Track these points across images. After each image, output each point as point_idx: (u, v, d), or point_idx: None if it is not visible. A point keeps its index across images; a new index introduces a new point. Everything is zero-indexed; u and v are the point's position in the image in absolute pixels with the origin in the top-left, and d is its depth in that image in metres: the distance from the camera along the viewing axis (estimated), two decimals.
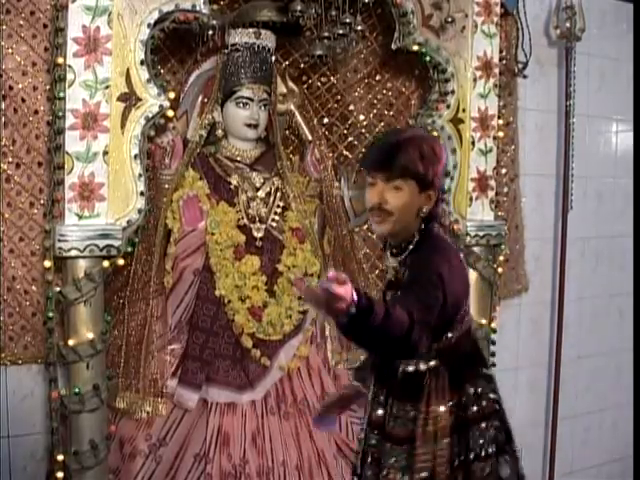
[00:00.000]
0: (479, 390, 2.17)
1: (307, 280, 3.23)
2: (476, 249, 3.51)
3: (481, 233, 3.49)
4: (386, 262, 2.26)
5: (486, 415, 2.16)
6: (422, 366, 2.14)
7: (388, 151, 2.13)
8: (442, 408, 2.10)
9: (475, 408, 2.14)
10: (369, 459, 2.18)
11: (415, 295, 1.96)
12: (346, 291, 1.77)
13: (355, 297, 1.80)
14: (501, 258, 3.63)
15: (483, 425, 2.14)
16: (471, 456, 2.11)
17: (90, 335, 2.81)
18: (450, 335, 2.13)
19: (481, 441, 2.13)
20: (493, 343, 3.57)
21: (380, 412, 2.17)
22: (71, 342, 2.80)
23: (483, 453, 2.12)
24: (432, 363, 2.13)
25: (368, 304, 1.83)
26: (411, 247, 2.15)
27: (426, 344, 1.96)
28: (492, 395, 2.20)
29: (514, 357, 4.02)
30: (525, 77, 3.77)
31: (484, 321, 3.52)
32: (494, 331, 3.58)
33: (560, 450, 4.03)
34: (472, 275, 3.46)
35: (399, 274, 2.16)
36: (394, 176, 2.09)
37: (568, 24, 3.83)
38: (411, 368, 2.15)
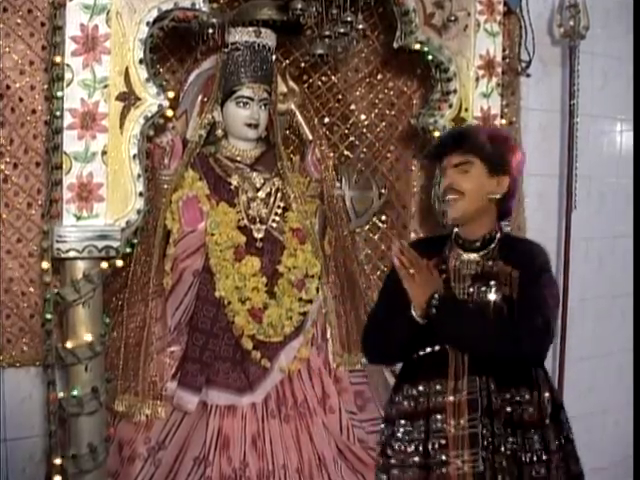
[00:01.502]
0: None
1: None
2: None
3: None
4: (458, 258, 2.26)
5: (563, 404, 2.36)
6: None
7: (457, 132, 2.25)
8: (546, 395, 2.22)
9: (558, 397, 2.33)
10: (502, 449, 2.14)
11: (547, 299, 2.11)
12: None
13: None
14: None
15: (564, 412, 2.33)
16: (563, 439, 2.26)
17: (89, 337, 2.80)
18: None
19: (567, 424, 2.31)
20: None
21: (493, 398, 2.17)
22: (69, 344, 2.80)
23: (570, 436, 2.29)
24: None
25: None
26: (494, 242, 2.20)
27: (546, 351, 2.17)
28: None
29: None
30: (528, 76, 3.77)
31: None
32: None
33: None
34: None
35: (485, 267, 2.19)
36: (461, 157, 2.14)
37: (572, 22, 3.82)
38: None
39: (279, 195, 3.40)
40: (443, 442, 2.17)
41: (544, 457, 2.18)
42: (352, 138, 3.77)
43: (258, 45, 3.30)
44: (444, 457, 2.17)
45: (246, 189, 3.35)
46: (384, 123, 3.78)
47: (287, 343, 3.31)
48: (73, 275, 2.80)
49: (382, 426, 2.42)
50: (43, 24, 2.81)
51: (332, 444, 3.31)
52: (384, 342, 2.35)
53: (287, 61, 3.63)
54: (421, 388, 2.27)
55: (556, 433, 2.22)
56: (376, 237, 3.84)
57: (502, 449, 2.14)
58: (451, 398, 2.18)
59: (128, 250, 2.94)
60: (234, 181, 3.35)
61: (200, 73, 3.36)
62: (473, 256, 2.25)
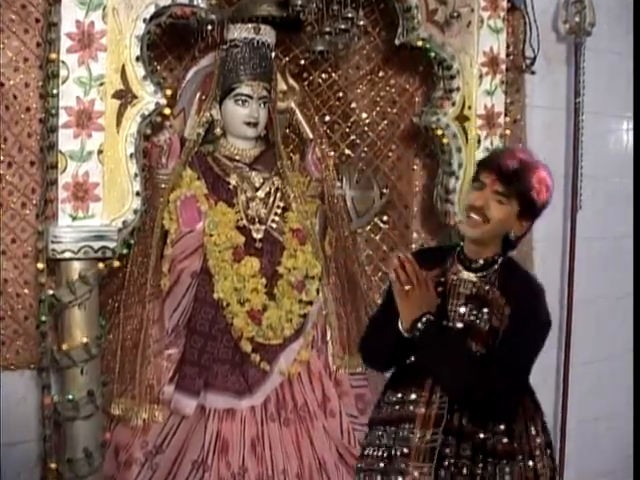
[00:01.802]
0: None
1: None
2: None
3: None
4: (457, 274, 2.32)
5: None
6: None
7: (511, 164, 2.23)
8: (533, 429, 2.29)
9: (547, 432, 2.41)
10: (464, 472, 2.19)
11: (520, 352, 2.18)
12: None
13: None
14: None
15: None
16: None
17: (84, 339, 2.80)
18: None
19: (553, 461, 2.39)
20: None
21: (464, 422, 2.22)
22: (65, 347, 2.79)
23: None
24: None
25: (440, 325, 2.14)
26: (494, 268, 2.27)
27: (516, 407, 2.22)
28: None
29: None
30: (533, 73, 3.76)
31: None
32: None
33: (568, 458, 4.01)
34: None
35: (481, 290, 2.25)
36: (504, 188, 2.20)
37: (577, 18, 3.81)
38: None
39: (279, 195, 3.40)
40: (406, 451, 2.23)
41: None
42: (353, 137, 3.76)
43: (257, 42, 3.30)
44: (403, 465, 2.23)
45: (245, 189, 3.34)
46: (386, 121, 3.78)
47: (287, 345, 3.31)
48: (69, 276, 2.80)
49: (366, 430, 2.49)
50: (38, 20, 2.81)
51: (333, 448, 3.31)
52: (374, 348, 2.44)
53: (287, 58, 3.63)
54: (399, 395, 2.33)
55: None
56: (377, 238, 3.83)
57: (464, 472, 2.17)
58: (422, 410, 2.24)
59: (125, 251, 2.94)
60: (233, 180, 3.34)
61: (198, 70, 3.36)
62: (471, 276, 2.30)
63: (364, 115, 3.76)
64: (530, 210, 2.28)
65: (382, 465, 2.30)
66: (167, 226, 3.23)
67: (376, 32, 3.67)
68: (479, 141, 3.46)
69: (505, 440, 2.22)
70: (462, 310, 2.27)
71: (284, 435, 3.24)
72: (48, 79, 2.76)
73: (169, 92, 2.99)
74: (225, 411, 3.20)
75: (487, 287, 2.26)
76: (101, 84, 2.78)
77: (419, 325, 2.17)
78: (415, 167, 3.86)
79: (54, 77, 2.73)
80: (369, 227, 3.81)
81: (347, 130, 3.76)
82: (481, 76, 3.43)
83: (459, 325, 2.25)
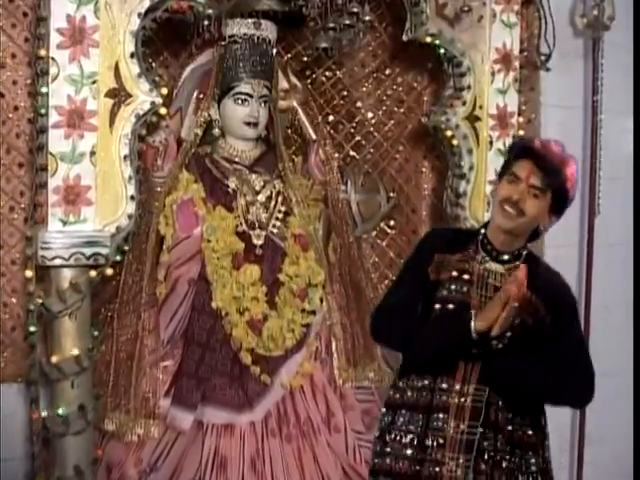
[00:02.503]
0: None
1: None
2: None
3: None
4: (483, 264, 2.39)
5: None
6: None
7: (549, 156, 2.33)
8: (543, 420, 2.42)
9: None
10: (503, 465, 2.31)
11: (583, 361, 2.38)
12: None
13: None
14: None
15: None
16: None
17: (75, 351, 2.80)
18: None
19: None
20: None
21: (500, 414, 2.33)
22: (55, 359, 2.79)
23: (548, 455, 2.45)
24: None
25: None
26: (521, 259, 2.36)
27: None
28: None
29: None
30: (548, 70, 3.74)
31: None
32: None
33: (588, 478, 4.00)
34: None
35: (505, 280, 2.33)
36: (541, 183, 2.29)
37: (595, 12, 3.79)
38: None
39: (280, 199, 3.39)
40: (441, 441, 2.30)
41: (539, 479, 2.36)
42: (358, 137, 3.76)
43: (258, 38, 3.30)
44: (439, 456, 2.31)
45: (245, 192, 3.34)
46: (392, 121, 3.77)
47: (289, 357, 3.29)
48: (59, 284, 2.79)
49: (383, 410, 2.52)
50: (26, 14, 2.82)
51: (337, 465, 3.29)
52: (401, 332, 2.42)
53: (289, 55, 3.62)
54: (426, 382, 2.37)
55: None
56: (384, 243, 3.82)
57: (503, 465, 2.29)
58: (456, 400, 2.31)
59: (118, 257, 2.94)
60: (232, 183, 3.34)
61: (195, 68, 3.36)
62: (499, 267, 2.38)
63: (370, 115, 3.75)
64: (561, 205, 2.37)
65: (410, 452, 2.36)
66: (163, 231, 3.22)
67: (382, 27, 3.66)
68: (491, 142, 3.45)
69: (530, 432, 2.34)
70: (485, 297, 2.34)
71: (286, 452, 3.23)
72: (37, 77, 2.76)
73: (165, 91, 2.99)
74: (223, 426, 3.18)
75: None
76: (93, 82, 2.78)
77: (503, 340, 2.29)
78: (423, 169, 3.86)
79: (44, 74, 2.73)
80: (375, 232, 3.80)
81: (352, 130, 3.75)
82: (493, 73, 3.42)
83: None
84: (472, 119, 3.43)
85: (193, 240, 3.23)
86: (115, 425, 3.06)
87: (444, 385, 2.34)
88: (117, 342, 3.12)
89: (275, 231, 3.35)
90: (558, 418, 3.96)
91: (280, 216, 3.37)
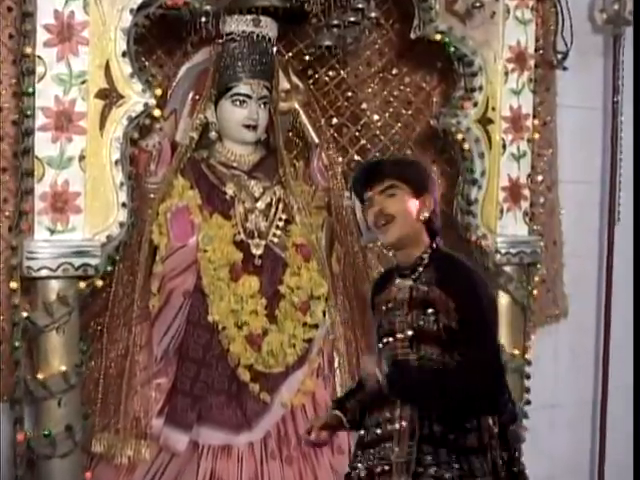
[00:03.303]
0: (509, 396, 2.52)
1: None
2: (507, 269, 3.48)
3: (513, 250, 3.46)
4: (396, 286, 2.48)
5: (515, 416, 2.56)
6: None
7: (371, 165, 2.58)
8: (490, 420, 2.40)
9: (508, 413, 2.48)
10: (447, 476, 2.37)
11: (482, 352, 2.35)
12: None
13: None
14: (536, 279, 3.60)
15: (515, 425, 2.52)
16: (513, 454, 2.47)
17: (63, 367, 2.79)
18: None
19: (515, 440, 2.50)
20: (527, 377, 3.54)
21: (435, 427, 2.39)
22: (40, 376, 2.78)
23: (517, 453, 2.48)
24: None
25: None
26: (422, 267, 2.43)
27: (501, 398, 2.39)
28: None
29: (552, 393, 3.97)
30: (565, 69, 3.73)
31: (516, 352, 3.48)
32: (528, 363, 3.55)
33: None
34: (503, 299, 3.44)
35: (420, 292, 2.40)
36: (385, 182, 2.43)
37: (616, 6, 3.79)
38: None
39: (280, 206, 3.40)
40: (387, 468, 2.40)
41: None
42: (363, 141, 3.76)
43: (257, 36, 3.30)
44: None
45: (243, 199, 3.34)
46: (400, 124, 3.77)
47: (289, 374, 3.30)
48: (45, 297, 2.79)
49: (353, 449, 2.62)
50: (10, 9, 2.81)
51: None
52: None
53: (290, 54, 3.63)
54: (375, 417, 2.48)
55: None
56: (390, 253, 3.79)
57: (446, 476, 2.35)
58: (397, 426, 2.40)
59: (109, 268, 2.93)
60: (230, 190, 3.34)
61: (191, 67, 3.37)
62: (407, 281, 2.45)
63: (376, 117, 3.75)
64: (418, 184, 2.47)
65: None
66: (156, 241, 3.22)
67: (389, 24, 3.65)
68: (504, 146, 3.44)
69: (471, 435, 2.37)
70: (409, 318, 2.41)
71: (286, 475, 3.22)
72: (23, 76, 2.75)
73: (159, 91, 2.98)
74: (220, 448, 3.19)
75: (425, 287, 2.40)
76: (83, 82, 2.77)
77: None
78: (432, 175, 3.84)
79: (30, 74, 2.72)
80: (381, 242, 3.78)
81: (357, 134, 3.75)
82: (507, 73, 3.41)
83: (409, 333, 2.39)
84: (484, 121, 3.42)
85: (188, 250, 3.23)
86: (104, 446, 3.05)
87: (387, 414, 2.43)
88: (107, 358, 3.11)
89: (275, 240, 3.35)
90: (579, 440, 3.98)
91: (280, 224, 3.38)
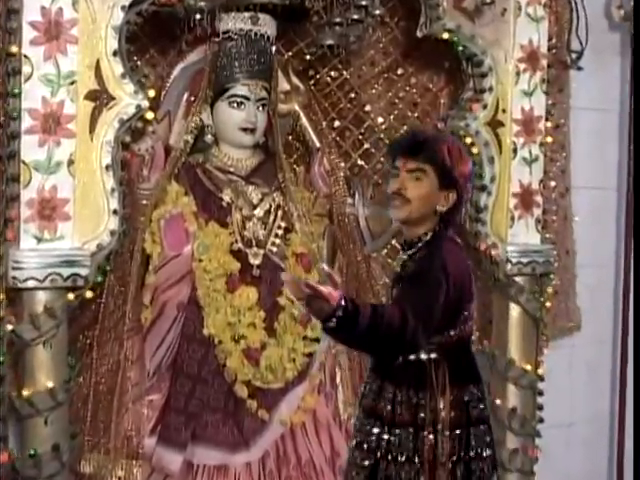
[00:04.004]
0: (481, 394, 2.64)
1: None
2: (519, 279, 3.47)
3: (525, 260, 3.45)
4: (398, 256, 2.68)
5: (485, 419, 2.64)
6: (423, 356, 2.56)
7: (418, 137, 2.61)
8: (442, 402, 2.53)
9: (477, 410, 2.60)
10: (364, 447, 2.59)
11: (415, 292, 2.45)
12: (331, 293, 2.27)
13: (342, 300, 2.27)
14: (549, 290, 3.60)
15: (482, 427, 2.61)
16: (471, 454, 2.57)
17: (50, 383, 2.78)
18: (452, 333, 2.55)
19: (480, 442, 2.59)
20: (540, 394, 3.53)
21: (379, 400, 2.58)
22: (26, 392, 2.77)
23: (484, 453, 2.58)
24: (433, 355, 2.54)
25: (354, 307, 2.30)
26: (420, 244, 2.57)
27: (423, 340, 2.43)
28: (485, 403, 2.69)
29: (567, 410, 3.97)
30: (580, 69, 3.73)
31: (529, 367, 3.47)
32: (541, 379, 3.54)
33: None
34: (514, 311, 3.44)
35: (407, 268, 2.58)
36: (419, 160, 2.52)
37: (634, 2, 3.79)
38: (412, 357, 2.56)
39: (280, 213, 3.40)
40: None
41: None
42: (367, 145, 3.76)
43: (255, 34, 3.30)
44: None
45: (241, 206, 3.34)
46: (405, 127, 3.75)
47: (289, 390, 3.29)
48: (32, 309, 2.77)
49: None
50: None
51: None
52: None
53: (290, 53, 3.63)
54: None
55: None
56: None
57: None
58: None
59: (99, 279, 2.92)
60: (226, 196, 3.34)
61: (186, 67, 3.37)
62: (404, 256, 2.63)
63: (380, 119, 3.76)
64: (449, 180, 2.55)
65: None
66: (149, 250, 3.23)
67: (394, 22, 3.65)
68: (515, 150, 3.43)
69: (391, 407, 2.55)
70: (393, 291, 2.63)
71: None
72: (8, 76, 2.74)
73: (152, 92, 2.97)
74: (216, 468, 3.18)
75: (410, 264, 2.58)
76: (71, 83, 2.77)
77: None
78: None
79: (15, 74, 2.71)
80: (386, 251, 3.78)
81: (360, 137, 3.76)
82: (518, 74, 3.41)
83: (388, 302, 2.64)
84: (494, 124, 3.42)
85: (183, 259, 3.23)
86: (93, 467, 3.06)
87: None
88: (97, 373, 3.11)
89: (274, 249, 3.35)
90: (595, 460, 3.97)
91: (280, 233, 3.38)
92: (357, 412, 2.69)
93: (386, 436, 2.55)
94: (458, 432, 2.55)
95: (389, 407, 2.55)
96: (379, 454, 2.55)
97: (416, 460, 2.51)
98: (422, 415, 2.52)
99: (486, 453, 2.59)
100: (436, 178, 2.53)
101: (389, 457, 2.54)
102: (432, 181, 2.53)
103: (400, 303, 2.43)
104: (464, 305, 2.56)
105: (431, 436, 2.52)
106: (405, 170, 2.54)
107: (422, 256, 2.56)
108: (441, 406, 2.53)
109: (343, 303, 2.28)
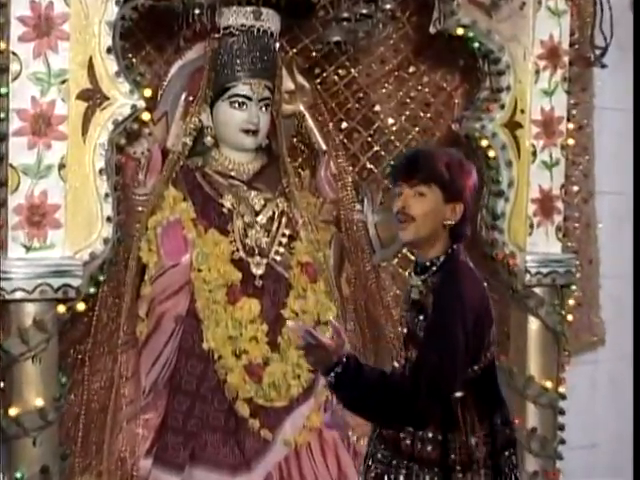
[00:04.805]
0: (504, 418, 2.63)
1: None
2: (538, 290, 3.47)
3: (545, 270, 3.45)
4: (410, 281, 2.65)
5: (512, 441, 2.64)
6: None
7: (413, 157, 2.64)
8: (474, 440, 2.53)
9: (503, 436, 2.60)
10: (372, 475, 2.59)
11: (433, 354, 2.41)
12: (332, 345, 2.34)
13: (344, 357, 2.33)
14: (571, 302, 3.59)
15: (510, 451, 2.61)
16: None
17: (39, 401, 2.78)
18: (476, 367, 2.54)
19: (510, 466, 2.60)
20: (562, 413, 3.52)
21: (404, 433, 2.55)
22: (13, 411, 2.77)
23: (514, 479, 2.60)
24: (458, 394, 2.51)
25: (357, 366, 2.35)
26: (434, 268, 2.56)
27: (436, 413, 2.42)
28: (512, 427, 2.69)
29: (590, 430, 3.97)
30: (604, 67, 3.72)
31: (549, 384, 3.47)
32: (563, 397, 3.53)
33: None
34: (533, 324, 3.44)
35: (422, 295, 2.57)
36: (418, 181, 2.54)
37: None
38: None
39: (284, 220, 3.40)
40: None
41: None
42: (377, 148, 3.76)
43: (258, 30, 3.31)
44: None
45: (242, 212, 3.34)
46: (417, 128, 3.78)
47: (294, 408, 3.29)
48: (20, 322, 2.77)
49: None
50: None
51: None
52: None
53: (294, 50, 3.64)
54: None
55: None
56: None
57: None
58: None
59: (92, 290, 2.92)
60: (227, 202, 3.35)
61: (184, 65, 3.38)
62: (418, 280, 2.61)
63: (390, 121, 3.76)
64: (454, 193, 2.56)
65: None
66: (145, 259, 3.23)
67: (406, 17, 3.66)
68: (534, 153, 3.43)
69: (431, 447, 2.52)
70: (408, 315, 2.61)
71: None
72: None
73: (148, 92, 2.99)
74: None
75: (425, 291, 2.57)
76: (63, 82, 2.77)
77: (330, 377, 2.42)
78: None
79: (3, 72, 2.72)
80: (396, 260, 3.79)
81: (369, 139, 3.76)
82: (537, 72, 3.41)
83: (404, 330, 2.61)
84: (512, 126, 3.42)
85: (181, 269, 3.24)
86: None
87: None
88: (89, 390, 3.11)
89: (278, 259, 3.35)
90: None
91: (284, 241, 3.38)
92: (374, 439, 2.66)
93: (411, 472, 2.54)
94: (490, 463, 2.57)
95: (418, 444, 2.53)
96: None
97: None
98: (453, 457, 2.51)
99: (516, 477, 2.61)
100: (440, 192, 2.55)
101: None
102: (437, 196, 2.55)
103: (415, 368, 2.45)
104: (485, 332, 2.56)
105: (464, 475, 2.52)
106: (407, 188, 2.57)
107: (437, 282, 2.55)
108: (474, 444, 2.53)
109: (345, 360, 2.33)
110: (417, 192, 2.54)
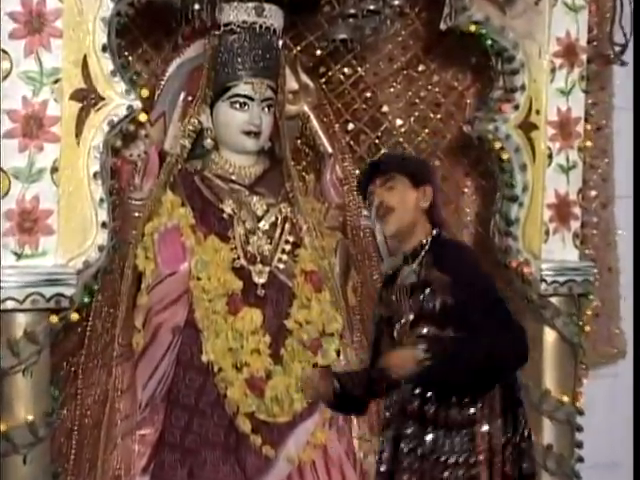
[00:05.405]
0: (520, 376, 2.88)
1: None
2: (554, 300, 3.46)
3: (561, 279, 3.45)
4: (402, 273, 2.84)
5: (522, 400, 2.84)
6: None
7: (373, 163, 2.99)
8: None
9: (520, 392, 2.81)
10: (406, 449, 2.72)
11: (485, 296, 2.71)
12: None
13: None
14: (589, 312, 3.60)
15: (523, 409, 2.81)
16: (518, 437, 2.75)
17: (29, 417, 2.78)
18: None
19: (525, 421, 2.79)
20: (579, 430, 3.50)
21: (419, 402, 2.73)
22: (3, 427, 2.76)
23: (526, 433, 2.76)
24: None
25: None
26: (423, 251, 2.79)
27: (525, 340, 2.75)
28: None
29: (609, 448, 3.97)
30: (623, 65, 3.72)
31: (566, 399, 3.46)
32: (580, 413, 3.52)
33: None
34: (549, 336, 3.43)
35: (422, 275, 2.77)
36: (384, 177, 2.80)
37: None
38: None
39: (287, 226, 3.40)
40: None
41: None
42: (384, 150, 3.74)
43: (260, 27, 3.31)
44: None
45: (244, 218, 3.35)
46: (427, 130, 3.79)
47: (297, 424, 3.29)
48: (10, 333, 2.77)
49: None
50: None
51: None
52: None
53: (299, 48, 3.65)
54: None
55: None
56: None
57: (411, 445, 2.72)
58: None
59: (86, 299, 2.91)
60: (228, 207, 3.35)
61: (183, 63, 3.39)
62: (412, 266, 2.80)
63: (399, 122, 3.77)
64: (418, 175, 2.83)
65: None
66: (141, 267, 3.23)
67: (415, 13, 3.67)
68: (550, 156, 3.43)
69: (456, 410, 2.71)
70: (410, 301, 2.77)
71: None
72: None
73: (145, 92, 2.99)
74: None
75: (426, 270, 2.76)
76: (55, 81, 2.77)
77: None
78: (466, 190, 3.87)
79: None
80: None
81: (377, 141, 3.76)
82: (553, 70, 3.41)
83: (410, 317, 2.74)
84: (527, 127, 3.41)
85: (179, 278, 3.24)
86: None
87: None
88: (82, 405, 3.11)
89: (281, 267, 3.35)
90: None
91: (287, 248, 3.38)
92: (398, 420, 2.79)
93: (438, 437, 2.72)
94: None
95: (440, 409, 2.71)
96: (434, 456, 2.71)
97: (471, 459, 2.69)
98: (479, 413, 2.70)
99: (529, 432, 2.77)
100: (406, 179, 2.80)
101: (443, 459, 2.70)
102: (404, 183, 2.80)
103: (485, 315, 2.67)
104: None
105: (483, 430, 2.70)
106: (377, 186, 2.81)
107: (434, 257, 2.78)
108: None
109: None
110: (387, 187, 2.79)
